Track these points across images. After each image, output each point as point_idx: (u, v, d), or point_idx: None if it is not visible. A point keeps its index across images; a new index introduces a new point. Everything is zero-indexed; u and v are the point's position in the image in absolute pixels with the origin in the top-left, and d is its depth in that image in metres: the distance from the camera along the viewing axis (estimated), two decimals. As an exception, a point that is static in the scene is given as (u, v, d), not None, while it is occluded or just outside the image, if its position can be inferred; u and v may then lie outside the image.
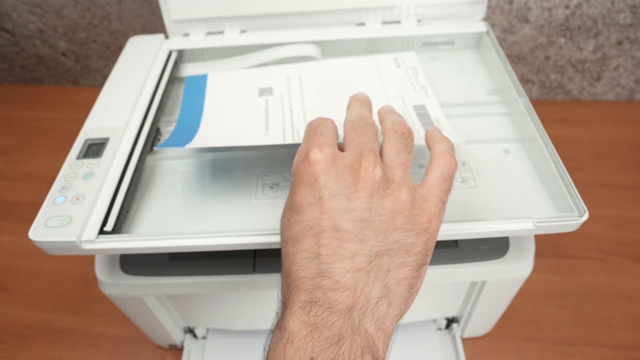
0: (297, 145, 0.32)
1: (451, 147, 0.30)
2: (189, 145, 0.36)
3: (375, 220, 0.25)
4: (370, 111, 0.35)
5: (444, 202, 0.28)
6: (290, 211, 0.27)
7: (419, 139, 0.37)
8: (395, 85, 0.45)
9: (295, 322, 0.23)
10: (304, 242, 0.25)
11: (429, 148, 0.31)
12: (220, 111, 0.43)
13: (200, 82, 0.47)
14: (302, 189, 0.26)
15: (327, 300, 0.23)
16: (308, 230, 0.25)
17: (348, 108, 0.36)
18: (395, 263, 0.25)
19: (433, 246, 0.27)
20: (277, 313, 0.26)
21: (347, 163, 0.27)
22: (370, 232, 0.25)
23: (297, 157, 0.28)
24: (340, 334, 0.23)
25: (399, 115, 0.34)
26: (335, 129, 0.31)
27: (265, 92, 0.45)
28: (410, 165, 0.29)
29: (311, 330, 0.23)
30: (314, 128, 0.30)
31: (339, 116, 0.42)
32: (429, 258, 0.27)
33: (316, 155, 0.27)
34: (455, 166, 0.29)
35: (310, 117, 0.41)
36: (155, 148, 0.36)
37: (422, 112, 0.42)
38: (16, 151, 0.77)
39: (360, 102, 0.35)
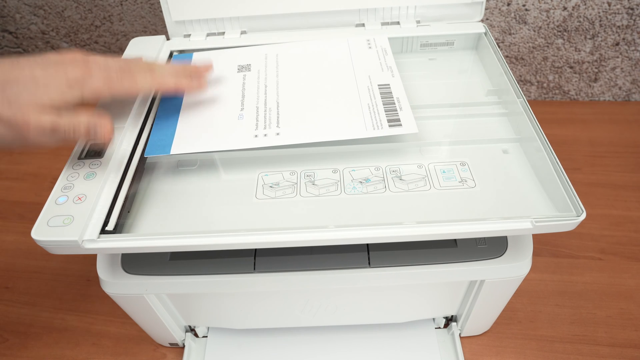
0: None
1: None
2: (174, 151, 0.39)
3: None
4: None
5: None
6: None
7: (379, 130, 0.40)
8: (364, 65, 0.48)
9: None
10: None
11: None
12: None
13: (186, 59, 0.51)
14: None
15: None
16: None
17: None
18: None
19: None
20: None
21: None
22: None
23: None
24: None
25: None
26: None
27: (243, 68, 0.48)
28: None
29: None
30: None
31: (308, 91, 0.45)
32: None
33: None
34: None
35: (283, 92, 0.45)
36: (145, 155, 0.40)
37: (385, 91, 0.44)
38: (18, 151, 0.78)
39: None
